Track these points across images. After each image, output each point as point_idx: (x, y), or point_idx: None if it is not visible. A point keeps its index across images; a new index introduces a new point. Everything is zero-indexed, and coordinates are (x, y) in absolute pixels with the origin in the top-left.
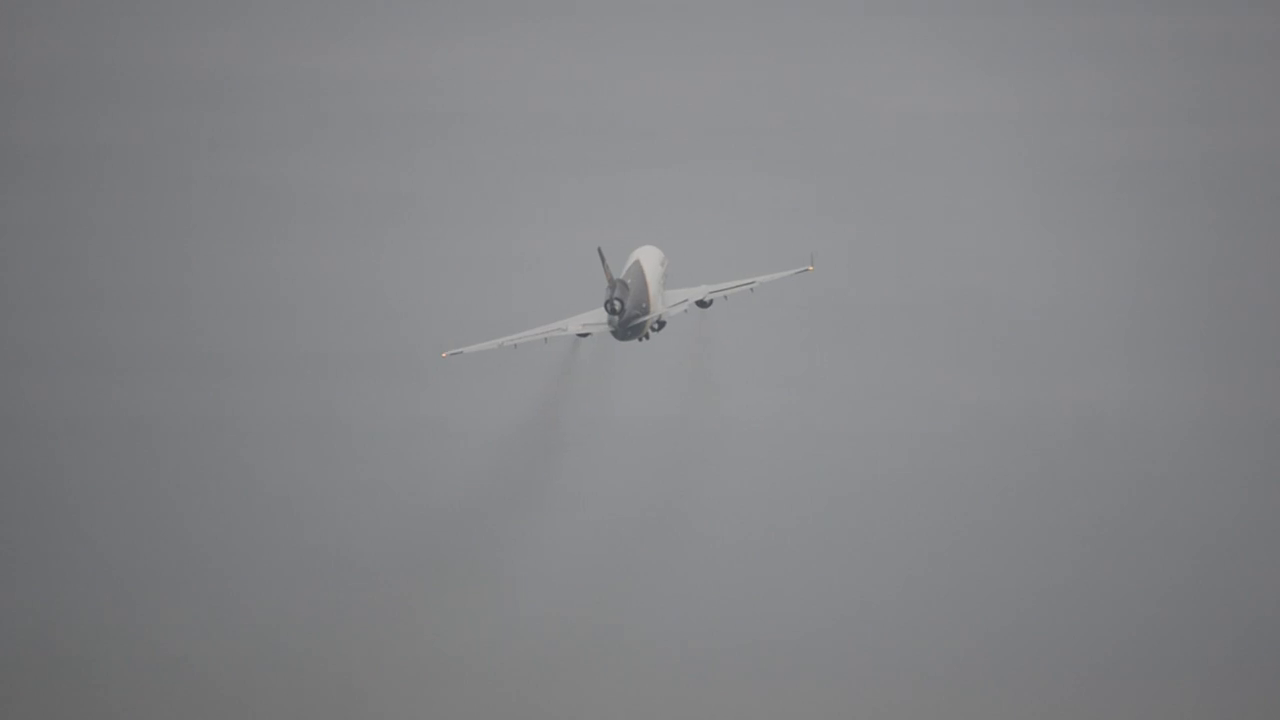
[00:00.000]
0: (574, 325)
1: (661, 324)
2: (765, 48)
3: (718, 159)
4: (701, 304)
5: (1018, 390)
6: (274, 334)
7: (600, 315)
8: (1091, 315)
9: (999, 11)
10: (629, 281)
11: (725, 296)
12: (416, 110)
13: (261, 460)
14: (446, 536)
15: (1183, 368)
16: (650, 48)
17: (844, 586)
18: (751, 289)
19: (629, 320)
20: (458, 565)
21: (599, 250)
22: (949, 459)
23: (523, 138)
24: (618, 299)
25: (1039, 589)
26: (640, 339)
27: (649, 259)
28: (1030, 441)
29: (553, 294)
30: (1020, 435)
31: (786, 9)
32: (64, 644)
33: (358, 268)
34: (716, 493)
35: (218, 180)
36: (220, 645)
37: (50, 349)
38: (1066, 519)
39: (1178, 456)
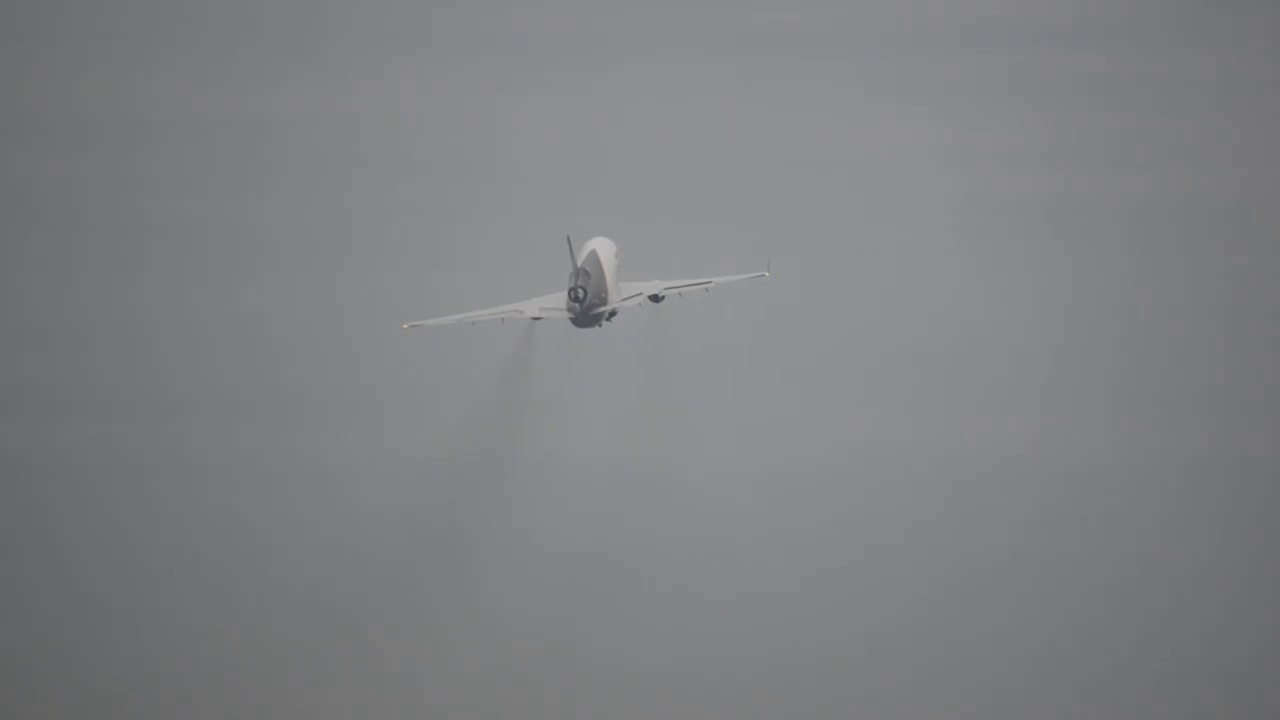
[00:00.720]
0: (531, 308)
1: (613, 314)
2: (702, 86)
3: (659, 195)
4: (655, 298)
5: (932, 429)
6: (217, 372)
7: (556, 300)
8: (1010, 355)
9: (932, 52)
10: (590, 270)
11: (680, 294)
12: (362, 149)
13: (212, 499)
14: (403, 572)
15: (1103, 408)
16: (603, 88)
17: (779, 625)
18: (707, 289)
19: (589, 309)
20: (418, 599)
21: (567, 239)
22: (862, 497)
23: (489, 163)
24: (581, 287)
25: (957, 625)
26: (596, 326)
27: (604, 249)
28: (946, 480)
29: (510, 278)
30: (936, 474)
31: (714, 49)
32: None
33: (288, 306)
34: (654, 535)
35: (158, 221)
36: (175, 685)
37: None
38: (983, 557)
39: (1095, 496)
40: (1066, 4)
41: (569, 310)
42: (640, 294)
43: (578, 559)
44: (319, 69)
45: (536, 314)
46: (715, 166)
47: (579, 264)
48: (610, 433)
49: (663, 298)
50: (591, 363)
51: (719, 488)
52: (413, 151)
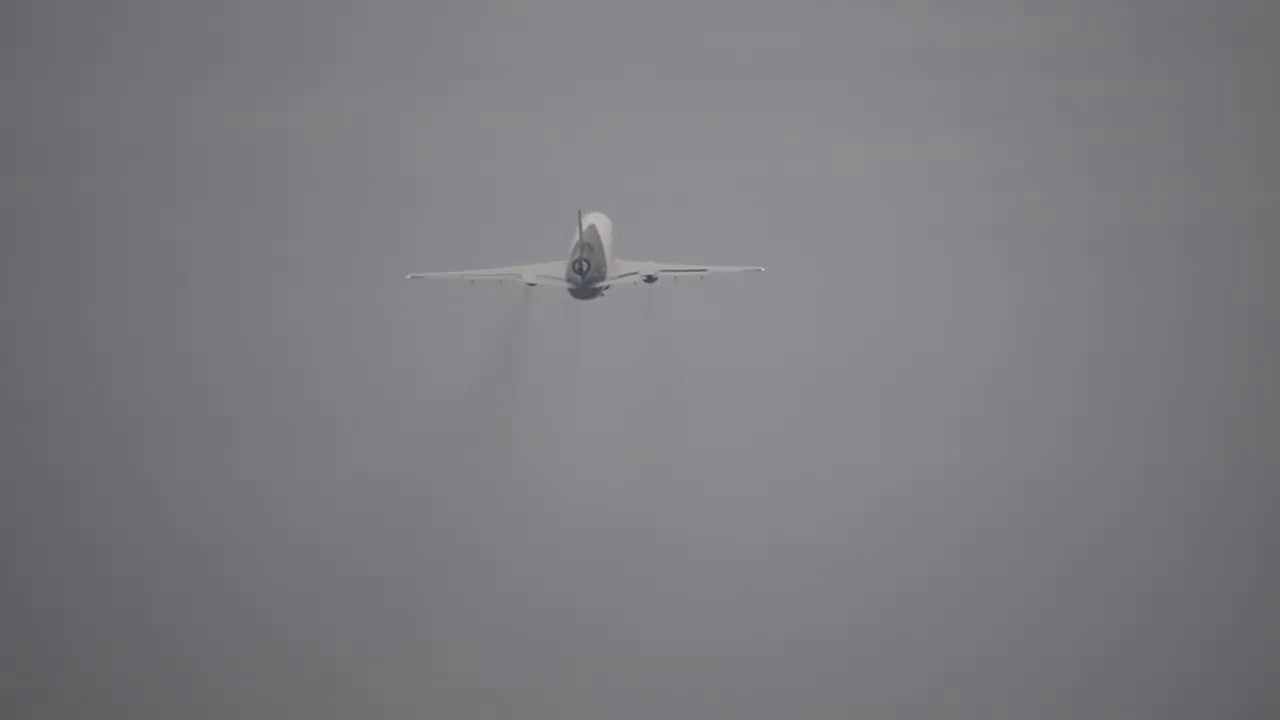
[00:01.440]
0: (528, 274)
1: (607, 287)
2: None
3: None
4: (649, 279)
5: (928, 447)
6: (183, 393)
7: (554, 269)
8: (1004, 369)
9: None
10: (591, 244)
11: (675, 278)
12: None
13: (181, 519)
14: (372, 594)
15: (1105, 420)
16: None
17: (787, 642)
18: (702, 276)
19: (589, 282)
20: (390, 626)
21: (578, 212)
22: (873, 518)
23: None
24: (585, 260)
25: (975, 643)
26: (592, 299)
27: (602, 225)
28: (946, 494)
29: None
30: (951, 494)
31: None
32: None
33: (260, 329)
34: (641, 557)
35: (120, 239)
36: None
37: None
38: (990, 568)
39: (1099, 508)
40: (1057, 29)
41: (569, 281)
42: (636, 273)
43: (559, 580)
44: (271, 88)
45: (533, 280)
46: (706, 188)
47: (581, 236)
48: (596, 452)
49: (656, 279)
50: (582, 368)
51: (709, 505)
52: (395, 169)
